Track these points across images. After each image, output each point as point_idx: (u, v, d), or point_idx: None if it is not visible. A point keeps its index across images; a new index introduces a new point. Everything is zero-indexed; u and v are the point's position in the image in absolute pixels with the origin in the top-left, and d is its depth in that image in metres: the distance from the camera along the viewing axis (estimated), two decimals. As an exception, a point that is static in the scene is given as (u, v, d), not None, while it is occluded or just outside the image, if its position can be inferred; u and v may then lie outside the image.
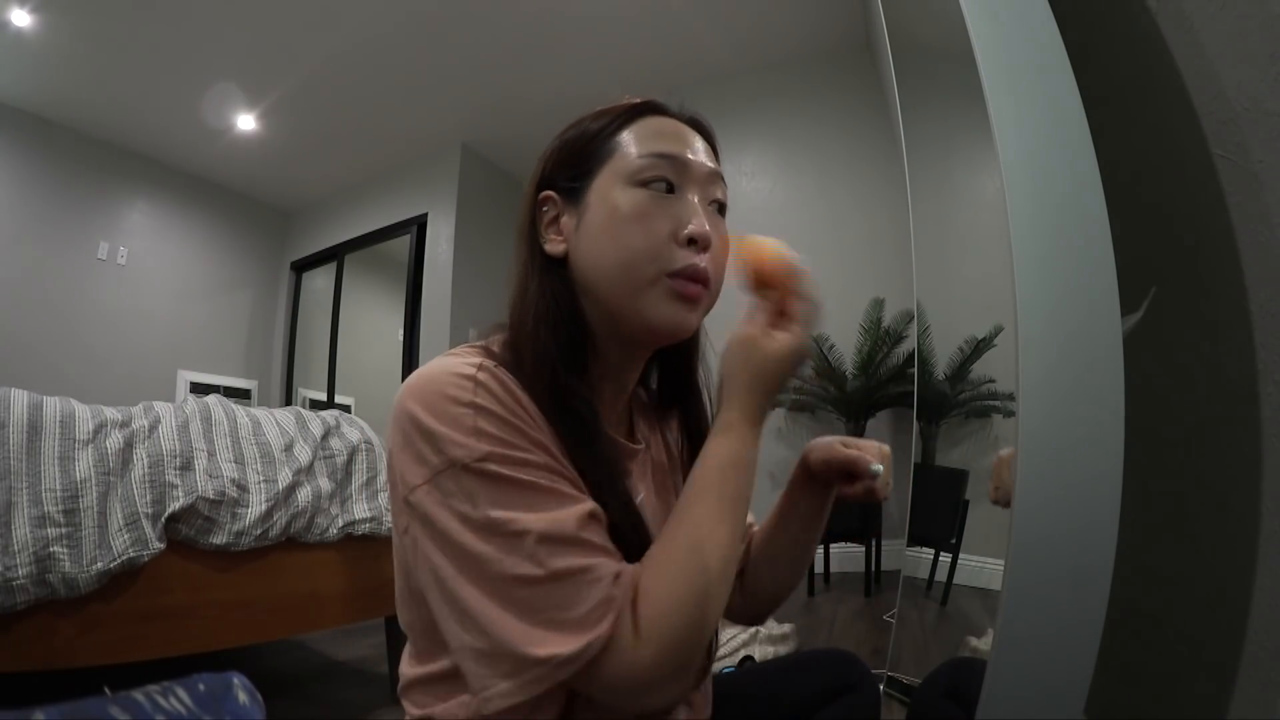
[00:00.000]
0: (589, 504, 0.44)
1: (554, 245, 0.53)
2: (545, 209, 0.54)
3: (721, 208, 0.54)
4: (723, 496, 0.46)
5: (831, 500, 0.66)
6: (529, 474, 0.43)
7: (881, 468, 0.60)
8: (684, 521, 0.45)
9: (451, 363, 0.46)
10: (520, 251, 0.55)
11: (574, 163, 0.53)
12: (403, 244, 4.32)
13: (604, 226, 0.50)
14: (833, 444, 0.63)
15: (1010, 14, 0.74)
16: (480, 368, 0.45)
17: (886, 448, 0.62)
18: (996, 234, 0.72)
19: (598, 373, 0.53)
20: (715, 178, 0.53)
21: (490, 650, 0.40)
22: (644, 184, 0.50)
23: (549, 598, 0.40)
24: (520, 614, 0.40)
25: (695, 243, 0.49)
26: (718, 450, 0.48)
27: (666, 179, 0.50)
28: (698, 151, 0.52)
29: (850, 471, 0.61)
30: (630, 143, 0.51)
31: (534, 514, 0.41)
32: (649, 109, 0.54)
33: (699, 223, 0.49)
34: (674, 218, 0.50)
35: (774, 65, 3.41)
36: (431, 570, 0.43)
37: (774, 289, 0.51)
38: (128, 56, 3.19)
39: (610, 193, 0.50)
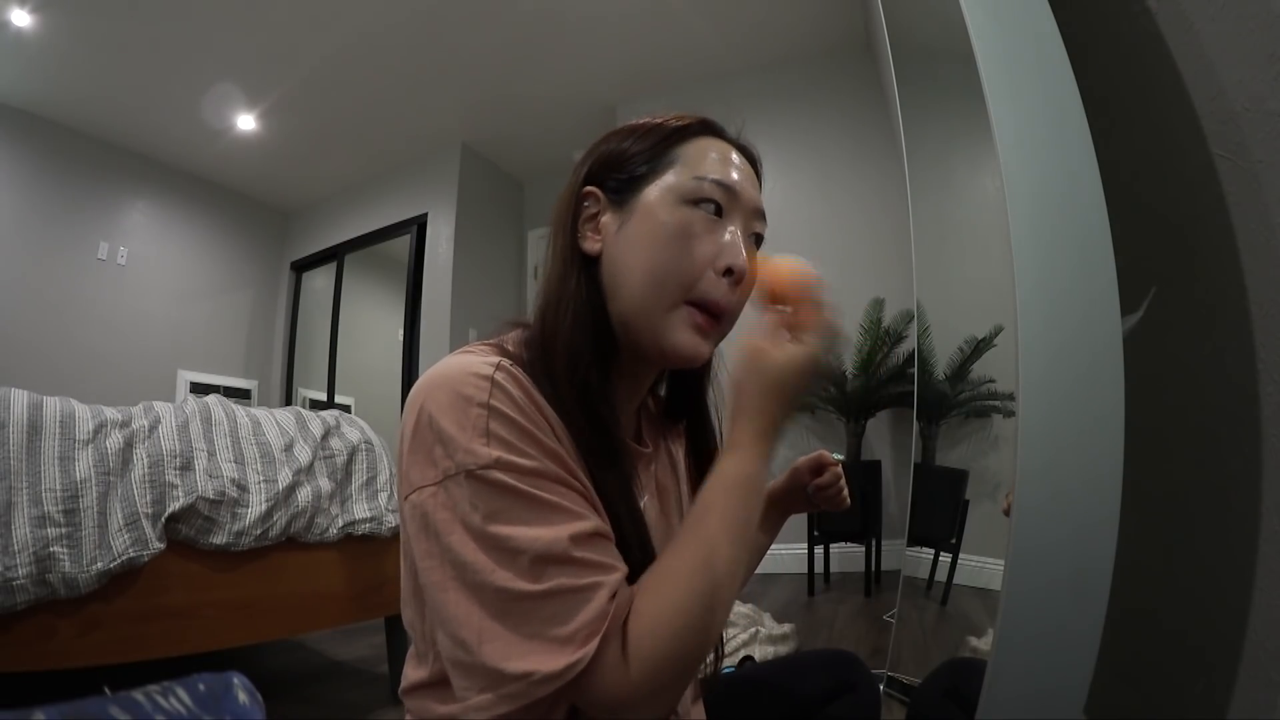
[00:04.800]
0: (592, 520, 0.43)
1: (590, 243, 0.52)
2: (587, 204, 0.53)
3: (759, 240, 0.55)
4: (725, 520, 0.45)
5: (781, 525, 0.74)
6: (535, 485, 0.42)
7: (842, 455, 0.68)
8: (686, 544, 0.45)
9: (469, 361, 0.45)
10: (558, 244, 0.54)
11: (627, 166, 0.53)
12: (403, 244, 4.32)
13: (645, 237, 0.50)
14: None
15: (1010, 14, 0.74)
16: (498, 368, 0.44)
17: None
18: (996, 234, 0.72)
19: (616, 375, 0.53)
20: (759, 214, 0.53)
21: (470, 662, 0.40)
22: (694, 203, 0.50)
23: (540, 612, 0.40)
24: (509, 625, 0.40)
25: (731, 274, 0.50)
26: (724, 470, 0.47)
27: (717, 202, 0.51)
28: (748, 183, 0.53)
29: (817, 465, 0.70)
30: (687, 160, 0.52)
31: (535, 529, 0.41)
32: (708, 129, 0.54)
33: (740, 258, 0.50)
34: (716, 244, 0.50)
35: (774, 65, 3.41)
36: (424, 573, 0.43)
37: (787, 301, 0.50)
38: (128, 56, 3.19)
39: (659, 206, 0.50)
